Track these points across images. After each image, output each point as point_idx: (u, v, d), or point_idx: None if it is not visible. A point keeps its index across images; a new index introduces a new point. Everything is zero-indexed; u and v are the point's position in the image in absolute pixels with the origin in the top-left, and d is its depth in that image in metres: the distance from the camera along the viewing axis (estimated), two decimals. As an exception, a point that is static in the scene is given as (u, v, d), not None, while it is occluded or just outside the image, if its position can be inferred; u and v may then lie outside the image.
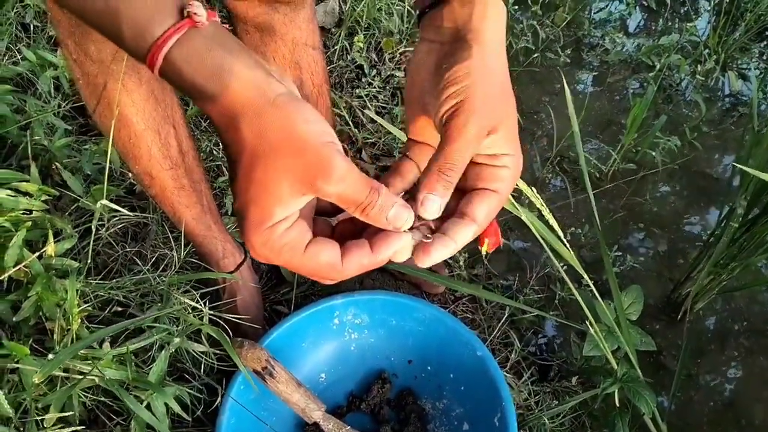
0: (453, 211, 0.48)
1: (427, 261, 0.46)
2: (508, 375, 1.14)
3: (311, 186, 0.41)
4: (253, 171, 0.42)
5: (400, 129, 1.49)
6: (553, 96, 1.72)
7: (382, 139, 1.48)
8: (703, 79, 1.75)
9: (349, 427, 1.00)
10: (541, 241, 0.96)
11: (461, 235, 0.46)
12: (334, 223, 0.50)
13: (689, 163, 1.59)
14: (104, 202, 0.80)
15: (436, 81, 0.46)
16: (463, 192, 0.48)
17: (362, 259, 0.45)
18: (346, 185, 0.42)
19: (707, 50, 1.80)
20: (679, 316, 1.32)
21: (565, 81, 1.12)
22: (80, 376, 0.81)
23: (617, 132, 1.64)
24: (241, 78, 0.41)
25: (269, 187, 0.41)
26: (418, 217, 0.47)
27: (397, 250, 0.45)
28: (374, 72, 1.59)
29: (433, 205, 0.45)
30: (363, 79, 1.58)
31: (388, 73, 1.60)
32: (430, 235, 0.47)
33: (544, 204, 0.90)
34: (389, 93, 1.57)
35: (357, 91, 1.55)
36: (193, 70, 0.41)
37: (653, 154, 1.53)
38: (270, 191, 0.42)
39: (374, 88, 1.56)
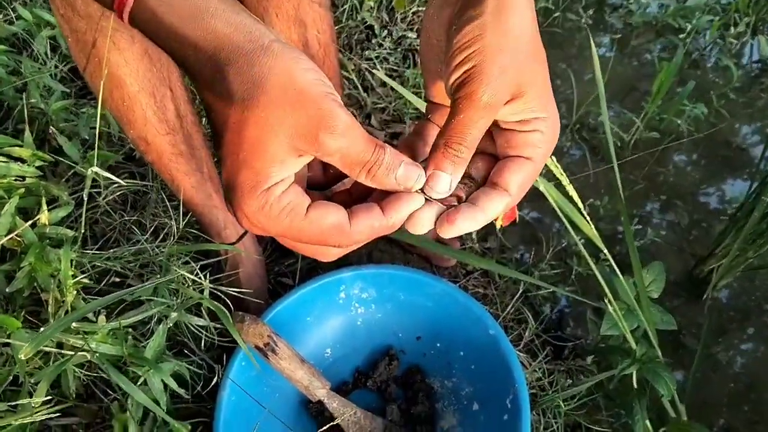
0: (484, 178, 0.43)
1: (451, 231, 0.41)
2: (521, 354, 1.10)
3: (313, 141, 0.36)
4: (245, 128, 0.36)
5: (412, 93, 1.42)
6: (574, 59, 1.64)
7: (393, 104, 1.41)
8: (735, 42, 1.66)
9: (354, 405, 0.96)
10: (559, 212, 0.91)
11: (492, 206, 0.41)
12: (330, 195, 0.45)
13: (714, 133, 1.51)
14: (95, 169, 0.75)
15: (448, 42, 0.40)
16: (495, 159, 0.44)
17: (373, 221, 0.40)
18: (350, 141, 0.37)
19: (737, 13, 1.70)
20: (701, 294, 1.27)
21: (592, 41, 1.05)
22: (71, 352, 0.77)
23: (640, 98, 1.56)
24: (226, 20, 0.36)
25: (264, 145, 0.36)
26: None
27: (416, 217, 0.41)
28: (385, 33, 1.52)
29: (440, 183, 0.40)
30: (373, 41, 1.50)
31: (400, 34, 1.52)
32: (455, 203, 0.42)
33: (563, 173, 0.84)
34: (400, 55, 1.50)
35: (366, 53, 1.48)
36: (171, 11, 0.36)
37: (678, 122, 1.45)
38: (265, 149, 0.36)
39: (385, 49, 1.49)
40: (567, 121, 1.51)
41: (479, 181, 0.44)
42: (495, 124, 0.43)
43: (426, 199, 0.41)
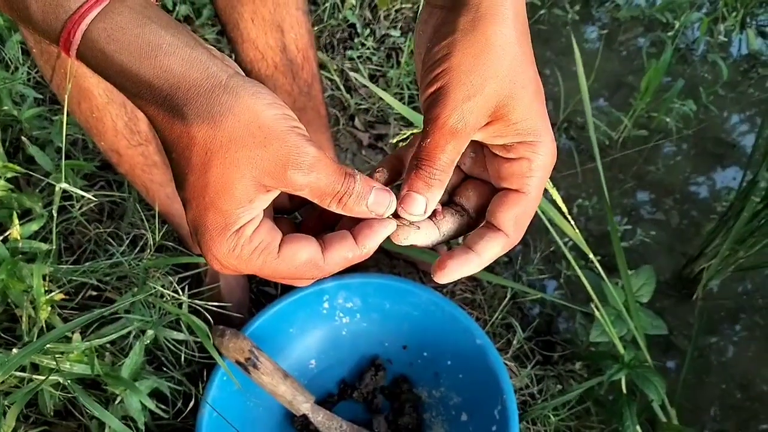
0: (476, 209, 0.41)
1: (444, 277, 0.39)
2: (509, 363, 1.08)
3: (281, 178, 0.34)
4: (209, 170, 0.34)
5: (396, 93, 1.39)
6: (561, 56, 1.62)
7: (377, 105, 1.39)
8: (724, 39, 1.64)
9: (340, 418, 0.94)
10: (543, 217, 0.89)
11: (488, 249, 0.39)
12: (298, 220, 0.43)
13: (704, 129, 1.50)
14: (64, 185, 0.72)
15: (423, 60, 0.38)
16: (488, 186, 0.41)
17: (347, 252, 0.38)
18: (319, 174, 0.35)
19: (726, 7, 1.68)
20: (691, 293, 1.25)
21: (574, 40, 1.03)
22: (41, 377, 0.74)
23: (628, 94, 1.54)
24: (181, 57, 0.33)
25: (231, 186, 0.34)
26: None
27: (398, 235, 0.39)
28: (368, 31, 1.48)
29: (415, 205, 0.38)
30: (356, 40, 1.47)
31: (383, 32, 1.49)
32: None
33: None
34: (384, 54, 1.47)
35: (349, 52, 1.45)
36: (121, 49, 0.33)
37: (667, 120, 1.43)
38: (232, 191, 0.34)
39: (368, 49, 1.46)
40: (554, 120, 1.49)
41: (471, 212, 0.42)
42: (483, 146, 0.40)
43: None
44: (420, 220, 0.40)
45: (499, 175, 0.39)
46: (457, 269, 0.38)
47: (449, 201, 0.42)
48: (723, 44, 1.66)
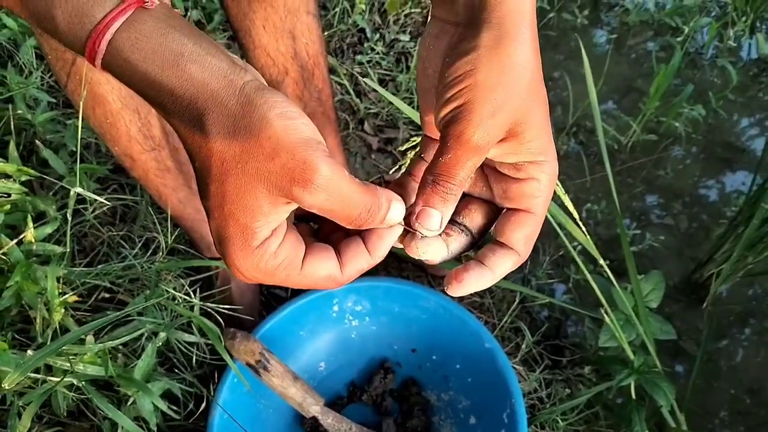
0: (479, 230, 0.42)
1: (459, 290, 0.39)
2: (517, 367, 1.08)
3: (288, 194, 0.34)
4: (225, 181, 0.34)
5: (406, 98, 1.40)
6: (570, 60, 1.62)
7: (386, 109, 1.40)
8: (734, 44, 1.63)
9: (349, 420, 0.95)
10: (553, 222, 0.89)
11: (501, 265, 0.40)
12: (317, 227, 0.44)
13: (713, 134, 1.49)
14: (78, 190, 0.73)
15: (441, 75, 0.38)
16: (490, 205, 0.42)
17: (362, 264, 0.39)
18: (330, 196, 0.34)
19: (736, 11, 1.68)
20: (701, 299, 1.25)
21: (582, 46, 1.03)
22: (54, 378, 0.75)
23: (637, 99, 1.55)
24: (203, 65, 0.34)
25: (245, 198, 0.34)
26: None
27: (412, 247, 0.40)
28: (377, 36, 1.49)
29: (430, 220, 0.38)
30: (365, 44, 1.48)
31: (393, 37, 1.50)
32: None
33: (557, 181, 0.83)
34: (393, 59, 1.48)
35: (359, 57, 1.46)
36: (145, 58, 0.33)
37: (676, 125, 1.43)
38: (247, 203, 0.34)
39: (377, 53, 1.46)
40: (563, 124, 1.49)
41: (474, 233, 0.42)
42: (491, 166, 0.41)
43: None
44: (434, 235, 0.40)
45: (507, 195, 0.40)
46: (472, 283, 0.39)
47: (451, 220, 0.42)
48: (733, 49, 1.66)
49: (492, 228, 0.42)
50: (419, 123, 0.83)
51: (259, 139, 0.33)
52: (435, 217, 0.38)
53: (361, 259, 0.39)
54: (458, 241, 0.41)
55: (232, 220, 0.35)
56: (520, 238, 0.39)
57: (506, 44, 0.36)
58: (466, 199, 0.43)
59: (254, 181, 0.34)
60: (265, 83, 0.37)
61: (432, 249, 0.40)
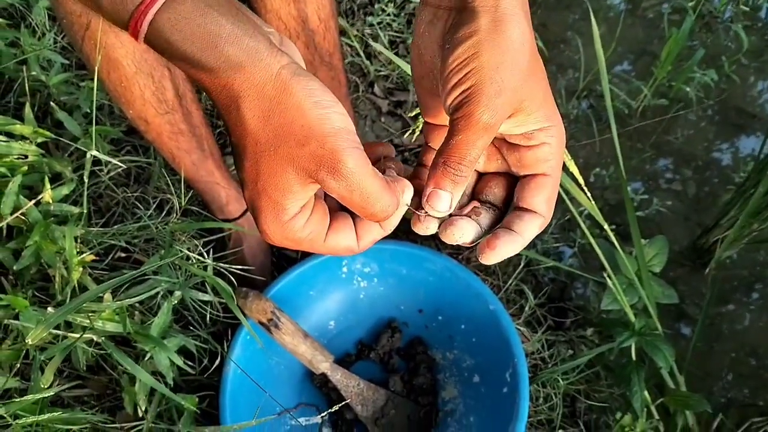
0: (502, 200, 0.44)
1: (492, 257, 0.41)
2: (521, 328, 1.11)
3: (315, 177, 0.37)
4: (259, 160, 0.37)
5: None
6: (583, 21, 1.60)
7: (396, 72, 1.40)
8: (746, 8, 1.61)
9: (357, 377, 0.98)
10: (558, 187, 0.90)
11: (529, 229, 0.42)
12: None
13: (725, 99, 1.48)
14: (94, 152, 0.75)
15: (443, 61, 0.39)
16: (508, 177, 0.44)
17: (374, 235, 0.43)
18: (351, 187, 0.37)
19: (754, -29, 1.64)
20: (705, 263, 1.27)
21: (591, 10, 1.02)
22: (75, 335, 0.79)
23: (650, 63, 1.53)
24: (241, 47, 0.35)
25: (277, 177, 0.37)
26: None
27: (422, 227, 0.43)
28: (389, -3, 1.48)
29: (440, 202, 0.40)
30: (376, 5, 1.47)
31: (404, -2, 1.49)
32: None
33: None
34: (404, 20, 1.47)
35: (369, 18, 1.45)
36: (185, 39, 0.35)
37: (687, 90, 1.42)
38: (278, 182, 0.37)
39: (388, 15, 1.46)
40: (574, 87, 1.48)
41: (499, 205, 0.44)
42: (501, 139, 0.43)
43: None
44: (443, 216, 0.42)
45: (522, 163, 0.42)
46: (504, 249, 0.41)
47: (476, 199, 0.45)
48: (748, 12, 1.63)
49: (514, 196, 0.43)
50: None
51: (292, 126, 0.36)
52: (445, 198, 0.40)
53: (374, 231, 0.42)
54: (487, 218, 0.43)
55: (264, 195, 0.38)
56: (542, 200, 0.41)
57: (504, 26, 0.37)
58: (485, 177, 0.45)
59: (285, 163, 0.37)
60: (301, 61, 0.38)
61: (466, 232, 0.42)
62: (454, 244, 0.43)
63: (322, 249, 0.41)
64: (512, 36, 0.37)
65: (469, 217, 0.43)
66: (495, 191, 0.44)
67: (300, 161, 0.36)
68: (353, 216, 0.42)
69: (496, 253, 0.41)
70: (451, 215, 0.43)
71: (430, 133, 0.46)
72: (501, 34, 0.37)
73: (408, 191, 0.41)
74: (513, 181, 0.44)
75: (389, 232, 0.43)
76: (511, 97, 0.38)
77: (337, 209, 0.43)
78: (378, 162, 0.44)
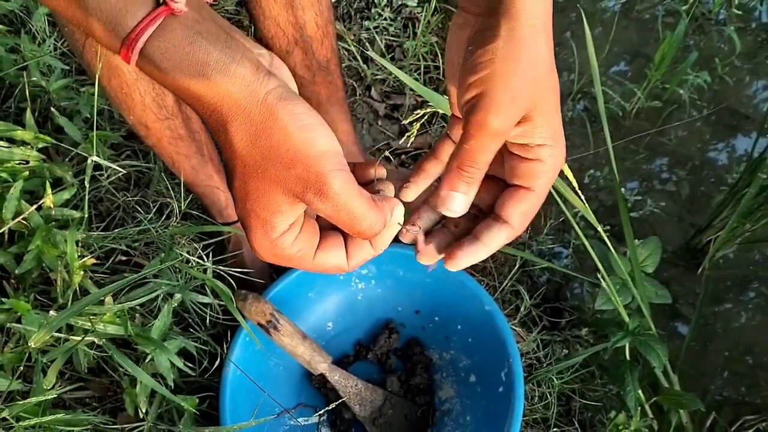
0: (489, 207, 0.45)
1: (454, 266, 0.44)
2: (516, 328, 1.12)
3: (302, 198, 0.38)
4: (247, 181, 0.39)
5: (410, 66, 1.41)
6: (578, 24, 1.62)
7: (393, 76, 1.41)
8: (739, 12, 1.62)
9: (355, 377, 1.00)
10: (552, 189, 0.92)
11: (494, 239, 0.43)
12: None
13: (719, 100, 1.50)
14: (95, 158, 0.76)
15: (463, 64, 0.41)
16: (499, 182, 0.45)
17: (365, 255, 0.44)
18: (338, 207, 0.38)
19: (746, -27, 1.66)
20: (699, 264, 1.28)
21: (583, 14, 1.04)
22: (77, 338, 0.80)
23: (644, 65, 1.55)
24: (227, 74, 0.36)
25: (266, 198, 0.38)
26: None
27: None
28: (385, 1, 1.50)
29: (455, 203, 0.42)
30: (372, 10, 1.49)
31: (400, 2, 1.51)
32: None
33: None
34: (401, 24, 1.49)
35: (366, 23, 1.47)
36: (174, 67, 0.36)
37: (681, 92, 1.44)
38: (266, 202, 0.39)
39: (384, 19, 1.47)
40: (569, 90, 1.50)
41: (484, 209, 0.46)
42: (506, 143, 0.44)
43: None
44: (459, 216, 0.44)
45: (514, 172, 0.43)
46: (465, 258, 0.43)
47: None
48: (742, 14, 1.65)
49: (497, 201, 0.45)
50: (422, 94, 0.85)
51: (278, 149, 0.37)
52: (459, 200, 0.42)
53: (365, 251, 0.43)
54: (466, 225, 0.46)
55: (253, 213, 0.39)
56: (518, 213, 0.42)
57: (522, 34, 0.38)
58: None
59: (273, 185, 0.38)
60: (289, 84, 0.40)
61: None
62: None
63: (311, 266, 0.42)
64: (529, 45, 0.38)
65: (455, 225, 0.45)
66: (483, 196, 0.45)
67: (287, 183, 0.37)
68: (345, 236, 0.43)
69: (457, 262, 0.43)
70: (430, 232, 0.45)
71: (452, 126, 0.48)
72: (518, 42, 0.38)
73: (398, 210, 0.42)
74: (503, 187, 0.45)
75: (380, 252, 0.44)
76: (522, 106, 0.39)
77: (327, 228, 0.44)
78: (370, 183, 0.45)
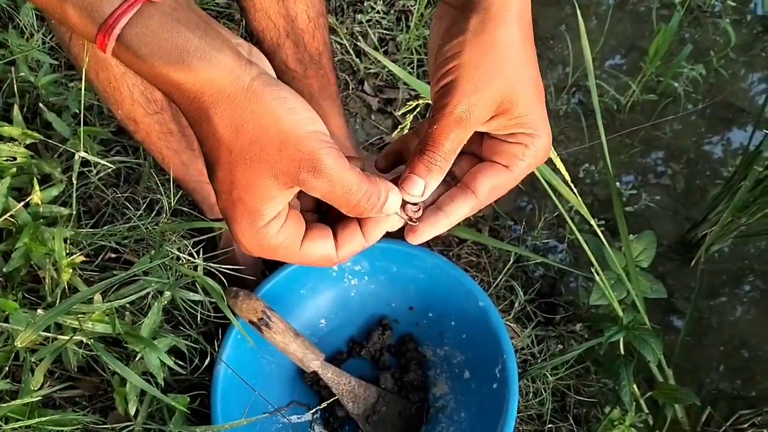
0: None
1: (415, 239, 0.43)
2: (511, 324, 1.12)
3: (294, 179, 0.37)
4: (234, 169, 0.37)
5: (403, 59, 1.40)
6: (572, 18, 1.61)
7: (386, 69, 1.40)
8: (734, 4, 1.61)
9: (348, 375, 0.99)
10: (545, 184, 0.91)
11: (456, 210, 0.43)
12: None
13: (714, 93, 1.49)
14: (82, 154, 0.75)
15: (435, 55, 0.41)
16: (479, 160, 0.44)
17: (356, 247, 0.43)
18: (333, 183, 0.37)
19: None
20: (693, 258, 1.27)
21: (577, 6, 1.03)
22: (64, 337, 0.79)
23: (639, 58, 1.54)
24: (209, 61, 0.36)
25: (254, 185, 0.38)
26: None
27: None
28: (378, -6, 1.48)
29: (415, 187, 0.41)
30: (365, 3, 1.47)
31: (393, -5, 1.49)
32: (418, 213, 0.43)
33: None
34: (394, 17, 1.47)
35: (359, 16, 1.45)
36: (152, 53, 0.35)
37: (676, 85, 1.43)
38: (255, 189, 0.38)
39: (377, 12, 1.46)
40: (563, 83, 1.49)
41: (459, 179, 0.45)
42: (485, 134, 0.43)
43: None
44: (418, 201, 0.43)
45: (493, 150, 0.43)
46: (427, 230, 0.43)
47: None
48: (739, 6, 1.64)
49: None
50: (414, 86, 0.84)
51: (268, 133, 0.36)
52: (418, 184, 0.41)
53: (356, 242, 0.42)
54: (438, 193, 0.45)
55: (240, 203, 0.38)
56: (487, 184, 0.42)
57: (491, 28, 0.39)
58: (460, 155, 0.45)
59: (262, 169, 0.37)
60: (271, 71, 0.39)
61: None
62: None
63: (297, 257, 0.41)
64: (498, 38, 0.39)
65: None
66: (462, 165, 0.44)
67: (279, 166, 0.37)
68: (335, 227, 0.42)
69: (418, 236, 0.43)
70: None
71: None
72: (487, 35, 0.39)
73: (393, 196, 0.41)
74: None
75: (372, 242, 0.43)
76: (489, 98, 0.39)
77: (314, 221, 0.43)
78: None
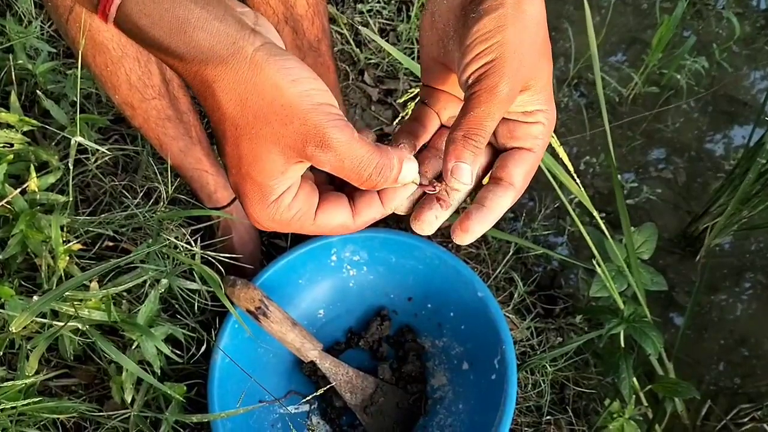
0: (485, 171, 0.44)
1: (467, 238, 0.42)
2: (510, 316, 1.11)
3: (302, 153, 0.36)
4: (241, 143, 0.37)
5: (404, 50, 1.39)
6: (574, 10, 1.60)
7: (386, 60, 1.39)
8: (739, -6, 1.60)
9: (346, 365, 0.98)
10: (548, 174, 0.90)
11: (500, 203, 0.42)
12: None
13: (716, 86, 1.48)
14: (79, 139, 0.74)
15: (462, 30, 0.39)
16: (493, 149, 0.44)
17: (374, 214, 0.42)
18: (342, 155, 0.36)
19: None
20: (695, 251, 1.27)
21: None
22: (60, 323, 0.78)
23: (641, 50, 1.53)
24: (210, 32, 0.35)
25: (261, 160, 0.37)
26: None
27: (425, 221, 0.42)
28: (379, -15, 1.47)
29: (464, 174, 0.40)
30: (367, -7, 1.46)
31: (395, -15, 1.48)
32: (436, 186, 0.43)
33: (553, 134, 0.84)
34: (394, 8, 1.46)
35: (359, 6, 1.44)
36: (153, 24, 0.34)
37: (678, 77, 1.42)
38: (263, 164, 0.37)
39: (378, 2, 1.45)
40: (565, 75, 1.48)
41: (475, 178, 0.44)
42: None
43: (424, 192, 0.43)
44: (467, 189, 0.43)
45: (513, 135, 0.43)
46: (477, 227, 0.41)
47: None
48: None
49: (494, 165, 0.43)
50: (418, 74, 0.83)
51: (272, 106, 0.35)
52: (466, 171, 0.40)
53: (374, 208, 0.41)
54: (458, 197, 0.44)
55: (248, 178, 0.37)
56: (520, 173, 0.42)
57: (525, 4, 0.38)
58: None
59: (269, 144, 0.36)
60: (276, 42, 0.38)
61: (443, 215, 0.42)
62: (433, 228, 0.43)
63: (313, 228, 0.40)
64: (532, 14, 0.38)
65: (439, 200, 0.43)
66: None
67: (285, 140, 0.36)
68: (351, 195, 0.41)
69: (470, 233, 0.41)
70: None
71: (429, 96, 0.46)
72: (523, 12, 0.38)
73: (409, 164, 0.40)
74: (493, 155, 0.44)
75: (390, 210, 0.42)
76: (525, 74, 0.39)
77: (329, 190, 0.42)
78: None
